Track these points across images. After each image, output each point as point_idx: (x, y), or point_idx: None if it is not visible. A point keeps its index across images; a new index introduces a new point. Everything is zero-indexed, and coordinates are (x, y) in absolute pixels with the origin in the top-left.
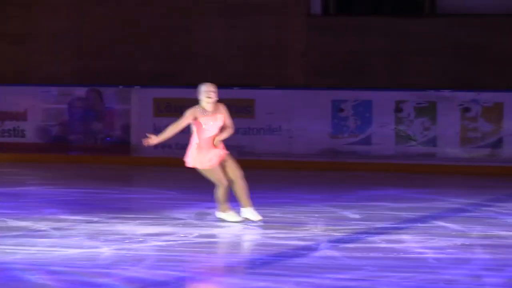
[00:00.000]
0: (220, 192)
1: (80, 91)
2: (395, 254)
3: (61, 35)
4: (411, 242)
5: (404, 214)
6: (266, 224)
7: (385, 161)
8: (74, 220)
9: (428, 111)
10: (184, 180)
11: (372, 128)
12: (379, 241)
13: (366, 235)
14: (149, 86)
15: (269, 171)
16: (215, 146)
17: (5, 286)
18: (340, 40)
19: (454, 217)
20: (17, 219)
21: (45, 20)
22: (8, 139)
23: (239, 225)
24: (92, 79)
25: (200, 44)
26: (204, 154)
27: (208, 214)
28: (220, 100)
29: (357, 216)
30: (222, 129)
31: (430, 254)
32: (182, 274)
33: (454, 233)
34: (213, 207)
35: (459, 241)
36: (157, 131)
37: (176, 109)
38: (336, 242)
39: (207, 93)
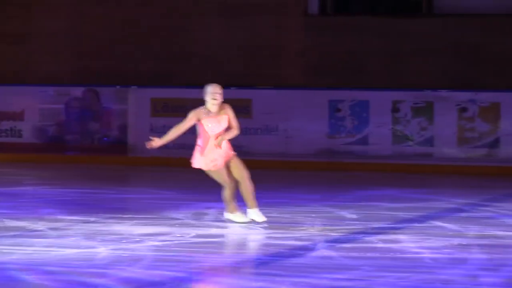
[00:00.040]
0: (226, 193)
1: (77, 91)
2: (392, 254)
3: (61, 35)
4: (408, 242)
5: (401, 214)
6: (263, 224)
7: (382, 161)
8: (71, 220)
9: (425, 111)
10: (181, 180)
11: (369, 128)
12: (376, 241)
13: (363, 235)
14: (146, 86)
15: (266, 171)
16: (218, 146)
17: (1, 286)
18: (338, 40)
19: (451, 217)
20: (14, 219)
21: (45, 20)
22: (5, 139)
23: (236, 225)
24: (92, 79)
25: (200, 44)
26: (208, 155)
27: (205, 214)
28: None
29: (354, 216)
30: (227, 130)
31: (427, 254)
32: (179, 274)
33: (451, 233)
34: (210, 207)
35: (456, 241)
36: (154, 131)
37: (173, 109)
38: (333, 242)
39: (212, 95)
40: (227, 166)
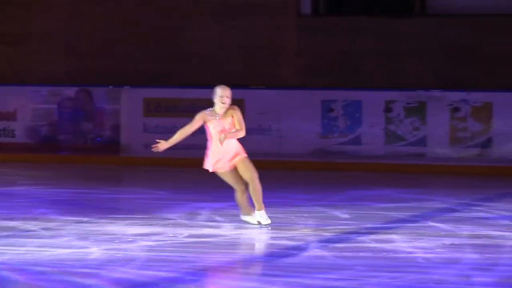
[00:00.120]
0: (237, 196)
1: (70, 91)
2: (384, 254)
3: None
4: (400, 242)
5: (394, 214)
6: (256, 224)
7: (375, 161)
8: (63, 220)
9: (417, 111)
10: (174, 180)
11: (362, 128)
12: (369, 241)
13: (356, 235)
14: (139, 86)
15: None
16: (220, 142)
17: None
18: (331, 40)
19: (444, 217)
20: (7, 219)
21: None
22: None
23: (230, 225)
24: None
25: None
26: (214, 157)
27: (198, 214)
28: (211, 100)
29: (346, 216)
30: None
31: (419, 254)
32: (171, 275)
33: (443, 233)
34: (203, 207)
35: (448, 241)
36: (147, 131)
37: (166, 109)
38: (326, 242)
39: (221, 99)
40: (236, 168)
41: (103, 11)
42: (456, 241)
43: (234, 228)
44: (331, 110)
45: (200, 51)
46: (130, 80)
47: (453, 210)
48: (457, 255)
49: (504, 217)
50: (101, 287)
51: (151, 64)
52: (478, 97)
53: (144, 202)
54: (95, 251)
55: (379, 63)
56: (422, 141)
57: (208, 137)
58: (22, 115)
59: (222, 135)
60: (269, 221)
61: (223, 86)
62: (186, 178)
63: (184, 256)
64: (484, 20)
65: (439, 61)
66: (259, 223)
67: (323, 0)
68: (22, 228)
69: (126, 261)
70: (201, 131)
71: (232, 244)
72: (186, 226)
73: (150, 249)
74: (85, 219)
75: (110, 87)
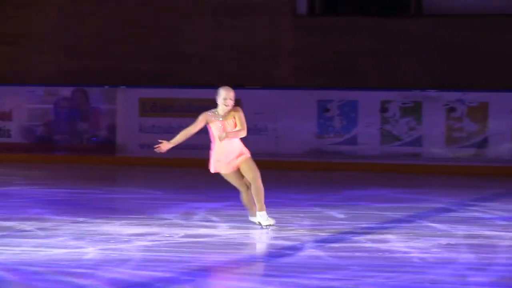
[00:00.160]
0: (242, 197)
1: (66, 91)
2: (380, 254)
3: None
4: (396, 242)
5: (389, 214)
6: (251, 224)
7: (371, 161)
8: (59, 220)
9: (413, 111)
10: (170, 180)
11: (357, 128)
12: (364, 241)
13: (352, 235)
14: (135, 86)
15: None
16: (220, 140)
17: None
18: (327, 40)
19: (439, 217)
20: (2, 219)
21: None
22: None
23: (225, 225)
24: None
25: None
26: (216, 157)
27: (194, 214)
28: (207, 100)
29: (342, 216)
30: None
31: (415, 254)
32: (167, 275)
33: (439, 232)
34: (199, 207)
35: (444, 241)
36: (143, 131)
37: (162, 109)
38: (321, 242)
39: (225, 101)
40: (239, 169)
41: (103, 11)
42: (452, 241)
43: (230, 228)
44: (327, 110)
45: (200, 51)
46: (130, 80)
47: (449, 210)
48: (453, 255)
49: (499, 217)
50: (96, 287)
51: (150, 64)
52: (474, 97)
53: (140, 202)
54: (91, 251)
55: (375, 63)
56: (418, 141)
57: (212, 138)
58: (18, 115)
59: (223, 133)
60: (270, 222)
61: (227, 87)
62: (182, 178)
63: (179, 256)
64: (480, 20)
65: (435, 61)
66: (260, 224)
67: (319, 0)
68: (18, 228)
69: (122, 261)
70: (202, 131)
71: (228, 244)
72: (182, 226)
73: (146, 249)
74: (81, 219)
75: (106, 87)
